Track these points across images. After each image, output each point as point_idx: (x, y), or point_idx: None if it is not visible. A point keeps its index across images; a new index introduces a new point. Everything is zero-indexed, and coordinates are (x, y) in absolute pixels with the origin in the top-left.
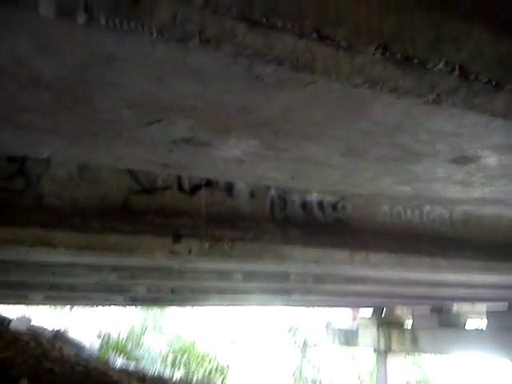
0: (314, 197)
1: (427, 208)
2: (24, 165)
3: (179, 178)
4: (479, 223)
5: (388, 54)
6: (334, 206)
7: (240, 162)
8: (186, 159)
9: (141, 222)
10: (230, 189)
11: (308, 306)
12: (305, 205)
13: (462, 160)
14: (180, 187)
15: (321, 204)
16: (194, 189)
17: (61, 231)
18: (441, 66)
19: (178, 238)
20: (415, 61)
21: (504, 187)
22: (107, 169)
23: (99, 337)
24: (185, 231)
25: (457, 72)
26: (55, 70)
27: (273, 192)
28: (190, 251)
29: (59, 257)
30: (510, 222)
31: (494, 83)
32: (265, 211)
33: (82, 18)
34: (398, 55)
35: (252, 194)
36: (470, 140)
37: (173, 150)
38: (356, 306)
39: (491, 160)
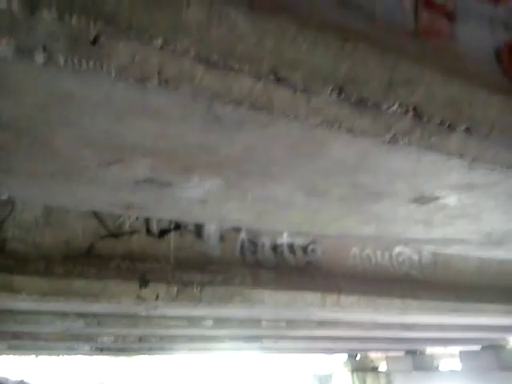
0: (284, 240)
1: (396, 251)
2: None
3: (147, 222)
4: (447, 266)
5: (343, 95)
6: (305, 250)
7: (204, 202)
8: (149, 200)
9: (106, 267)
10: (199, 232)
11: (281, 353)
12: (275, 248)
13: (422, 200)
14: (148, 230)
15: (291, 247)
16: (163, 232)
17: (24, 276)
18: (395, 107)
19: (145, 282)
20: (370, 102)
21: (465, 226)
22: (73, 213)
23: None
24: (152, 276)
25: (411, 113)
26: (14, 109)
27: (243, 235)
28: (157, 296)
29: (22, 303)
30: (476, 264)
31: (447, 124)
32: (235, 255)
33: (40, 58)
34: (353, 97)
35: (222, 238)
36: (428, 179)
37: (135, 191)
38: (329, 351)
39: (450, 200)
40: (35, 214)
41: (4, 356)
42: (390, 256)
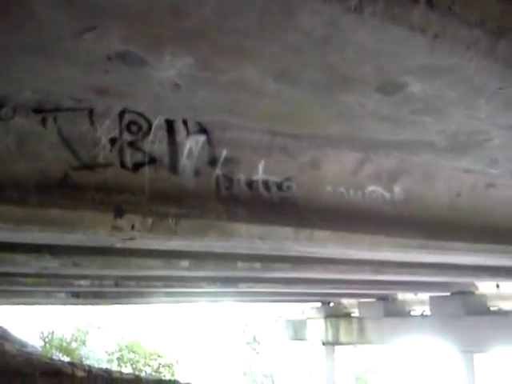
0: (259, 176)
1: (369, 189)
2: None
3: (121, 154)
4: (419, 203)
5: None
6: (280, 186)
7: (177, 87)
8: (123, 83)
9: (81, 198)
10: (174, 166)
11: (257, 301)
12: (250, 184)
13: (389, 87)
14: (122, 164)
15: (266, 183)
16: (137, 165)
17: None
18: None
19: (120, 212)
20: None
21: (431, 126)
22: (46, 143)
23: (42, 335)
24: (127, 207)
25: None
26: None
27: (218, 171)
28: (132, 226)
29: None
30: (448, 201)
31: None
32: (210, 189)
33: None
34: None
35: (197, 172)
36: (393, 59)
37: (108, 69)
38: (304, 298)
39: (415, 88)
40: (7, 143)
41: None
42: (363, 194)
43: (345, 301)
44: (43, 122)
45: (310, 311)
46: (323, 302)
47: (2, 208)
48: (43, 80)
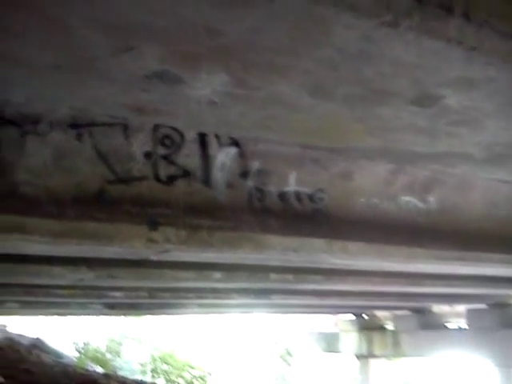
0: (291, 188)
1: (403, 199)
2: None
3: (155, 167)
4: (454, 214)
5: None
6: (311, 198)
7: (213, 104)
8: (160, 101)
9: (117, 211)
10: (207, 179)
11: (289, 313)
12: (282, 195)
13: (425, 100)
14: (156, 177)
15: (298, 195)
16: (171, 178)
17: (35, 218)
18: None
19: (155, 225)
20: None
21: (468, 137)
22: (82, 158)
23: (77, 346)
24: (162, 220)
25: None
26: None
27: (250, 183)
28: (167, 239)
29: (35, 246)
30: (483, 211)
31: (445, 8)
32: (242, 201)
33: None
34: None
35: (229, 185)
36: (429, 72)
37: (146, 88)
38: (337, 310)
39: (451, 100)
40: (44, 158)
41: (17, 316)
42: (397, 204)
43: (379, 313)
44: (79, 136)
45: (343, 324)
46: (356, 315)
47: (39, 222)
48: (79, 98)
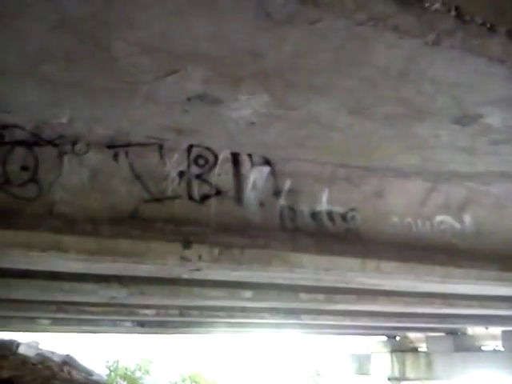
0: (323, 207)
1: (437, 219)
2: (36, 172)
3: (189, 186)
4: (490, 235)
5: None
6: (344, 217)
7: (251, 124)
8: (199, 122)
9: (151, 229)
10: (239, 198)
11: (320, 333)
12: (314, 215)
13: (465, 119)
14: (190, 196)
15: (330, 214)
16: (204, 198)
17: (72, 236)
18: (438, 5)
19: (188, 243)
20: None
21: (508, 155)
22: (117, 178)
23: (107, 364)
24: (194, 238)
25: (453, 13)
26: (80, 7)
27: (282, 202)
28: (200, 257)
29: (70, 263)
30: None
31: (488, 26)
32: (274, 221)
33: None
34: None
35: (261, 204)
36: (470, 91)
37: (187, 109)
38: (368, 331)
39: (494, 119)
40: (81, 178)
41: (48, 333)
42: (431, 225)
43: (411, 335)
44: (115, 156)
45: (374, 345)
46: (389, 336)
47: (76, 240)
48: (119, 119)
